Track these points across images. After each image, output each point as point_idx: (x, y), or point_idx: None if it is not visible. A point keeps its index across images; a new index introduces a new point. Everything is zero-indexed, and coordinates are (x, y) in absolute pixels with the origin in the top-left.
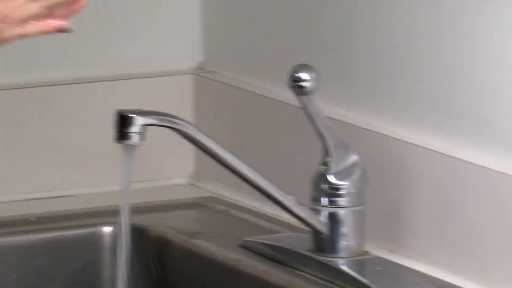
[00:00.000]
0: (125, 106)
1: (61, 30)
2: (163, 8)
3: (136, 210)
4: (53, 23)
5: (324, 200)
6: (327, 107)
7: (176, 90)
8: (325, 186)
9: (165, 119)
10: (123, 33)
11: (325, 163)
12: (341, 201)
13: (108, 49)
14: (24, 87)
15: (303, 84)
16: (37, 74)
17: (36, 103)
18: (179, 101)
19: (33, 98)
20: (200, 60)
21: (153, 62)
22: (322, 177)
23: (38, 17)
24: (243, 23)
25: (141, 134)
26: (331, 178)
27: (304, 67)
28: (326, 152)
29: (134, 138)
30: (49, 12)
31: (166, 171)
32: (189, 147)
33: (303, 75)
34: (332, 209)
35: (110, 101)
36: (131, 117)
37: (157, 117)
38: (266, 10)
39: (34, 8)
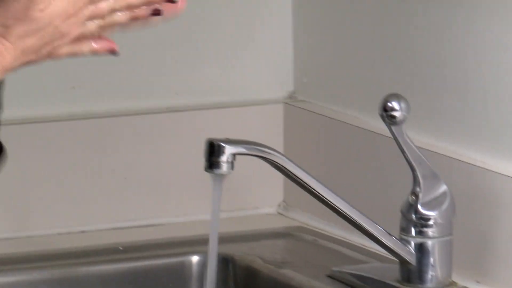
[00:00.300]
0: (215, 135)
1: (111, 52)
2: (255, 38)
3: (224, 239)
4: (106, 43)
5: (413, 230)
6: (416, 137)
7: (266, 119)
8: (413, 216)
9: (254, 148)
10: (216, 63)
11: (414, 193)
12: (429, 231)
13: (200, 78)
14: (115, 116)
15: (394, 113)
16: (128, 102)
17: (126, 131)
18: (269, 130)
19: (123, 127)
20: (291, 89)
21: (244, 91)
22: (410, 207)
23: (92, 36)
24: (333, 52)
25: (231, 163)
26: (420, 208)
27: (395, 97)
28: (415, 182)
29: (224, 167)
30: (101, 32)
31: (255, 200)
32: (278, 176)
33: (394, 105)
34: (420, 240)
35: (200, 130)
36: (220, 146)
37: (246, 146)
38: (356, 40)
39: (92, 26)
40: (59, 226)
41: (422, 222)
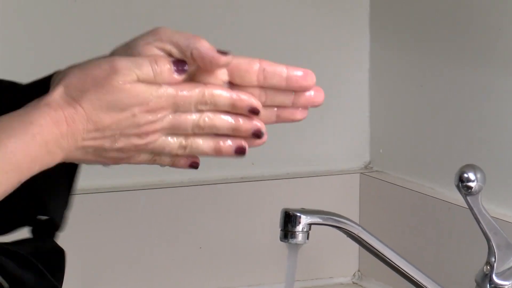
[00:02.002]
0: (291, 204)
1: (192, 166)
2: (332, 109)
3: None
4: (189, 160)
5: None
6: (492, 207)
7: (342, 189)
8: (488, 286)
9: (330, 218)
10: (292, 133)
11: (488, 263)
12: None
13: (276, 148)
14: (190, 185)
15: (470, 184)
16: (204, 172)
17: (202, 200)
18: (345, 200)
19: (199, 196)
20: (367, 160)
21: (321, 162)
22: (485, 277)
23: (173, 155)
24: (409, 124)
25: (306, 233)
26: (494, 278)
27: (471, 168)
28: (490, 252)
29: (299, 237)
30: (181, 154)
31: (330, 270)
32: (353, 246)
33: (470, 176)
34: None
35: (275, 200)
36: (296, 215)
37: (322, 216)
38: (431, 111)
39: (174, 144)
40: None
41: None
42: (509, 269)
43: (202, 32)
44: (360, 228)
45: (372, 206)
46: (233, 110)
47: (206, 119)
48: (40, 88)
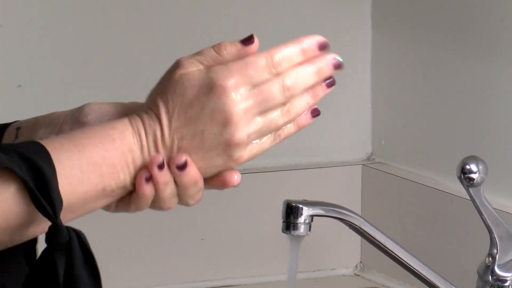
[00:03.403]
0: (293, 196)
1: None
2: (334, 101)
3: None
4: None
5: None
6: (494, 198)
7: (344, 180)
8: (490, 278)
9: (331, 210)
10: None
11: (490, 255)
12: None
13: None
14: None
15: (472, 175)
16: None
17: (204, 192)
18: (347, 191)
19: None
20: (369, 151)
21: (322, 153)
22: (487, 269)
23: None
24: (411, 115)
25: (308, 224)
26: (496, 270)
27: (473, 159)
28: (492, 244)
29: (301, 229)
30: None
31: (332, 261)
32: (355, 237)
33: (472, 167)
34: None
35: (277, 191)
36: (298, 207)
37: (324, 207)
38: (433, 103)
39: (266, 144)
40: (135, 286)
41: (498, 284)
42: (511, 260)
43: (202, 27)
44: (362, 219)
45: (374, 197)
46: (305, 56)
47: (288, 80)
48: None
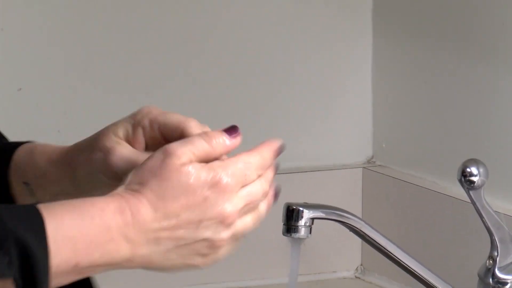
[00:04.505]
0: (294, 199)
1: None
2: (334, 104)
3: None
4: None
5: None
6: (494, 201)
7: (345, 183)
8: (491, 280)
9: (332, 212)
10: (294, 128)
11: (491, 257)
12: None
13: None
14: None
15: (473, 178)
16: None
17: None
18: (347, 194)
19: None
20: (369, 154)
21: (323, 156)
22: (488, 271)
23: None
24: (412, 118)
25: (309, 227)
26: (497, 273)
27: (473, 162)
28: (493, 246)
29: (302, 232)
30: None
31: (332, 264)
32: (356, 240)
33: (473, 170)
34: None
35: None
36: (299, 210)
37: (324, 210)
38: (434, 106)
39: (249, 223)
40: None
41: (499, 286)
42: (511, 263)
43: (203, 28)
44: (362, 222)
45: (375, 200)
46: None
47: (266, 179)
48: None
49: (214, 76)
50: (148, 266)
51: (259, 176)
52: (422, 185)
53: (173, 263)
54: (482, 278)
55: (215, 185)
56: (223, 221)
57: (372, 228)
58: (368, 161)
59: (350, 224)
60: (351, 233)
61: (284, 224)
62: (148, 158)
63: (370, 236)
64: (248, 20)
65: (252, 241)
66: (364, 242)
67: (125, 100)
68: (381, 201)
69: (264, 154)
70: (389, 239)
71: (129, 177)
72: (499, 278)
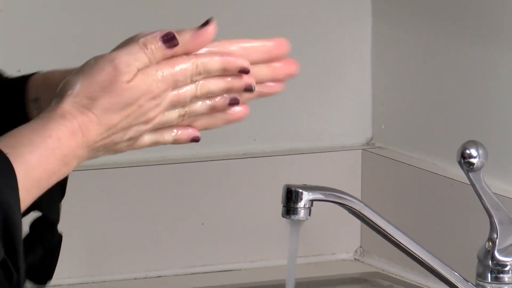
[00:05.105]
0: (293, 181)
1: (194, 140)
2: (333, 85)
3: (300, 285)
4: (189, 132)
5: (489, 276)
6: (494, 183)
7: (344, 165)
8: (490, 262)
9: (331, 194)
10: (293, 110)
11: (490, 239)
12: (506, 277)
13: (278, 124)
14: (193, 161)
15: (472, 160)
16: (206, 149)
17: (204, 177)
18: (346, 176)
19: (200, 172)
20: (369, 136)
21: (322, 138)
22: (487, 253)
23: (174, 125)
24: (411, 100)
25: (308, 209)
26: (496, 255)
27: (473, 144)
28: (492, 228)
29: (301, 213)
30: (181, 122)
31: (332, 246)
32: (355, 222)
33: (472, 152)
34: (496, 286)
35: (277, 176)
36: (298, 192)
37: (324, 192)
38: (434, 87)
39: (173, 115)
40: (135, 271)
41: (498, 268)
42: (511, 245)
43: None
44: (362, 204)
45: (374, 182)
46: (224, 73)
47: (201, 87)
48: (19, 86)
49: None
50: (90, 159)
51: (194, 82)
52: (422, 166)
53: (98, 155)
54: (482, 260)
55: (149, 93)
56: (147, 122)
57: (372, 210)
58: (368, 143)
59: (350, 206)
60: (350, 215)
61: (283, 206)
62: (97, 71)
63: (369, 218)
64: (250, 2)
65: (251, 223)
66: (363, 224)
67: None
68: (381, 183)
69: (204, 63)
70: (388, 221)
71: (77, 87)
72: (499, 260)
